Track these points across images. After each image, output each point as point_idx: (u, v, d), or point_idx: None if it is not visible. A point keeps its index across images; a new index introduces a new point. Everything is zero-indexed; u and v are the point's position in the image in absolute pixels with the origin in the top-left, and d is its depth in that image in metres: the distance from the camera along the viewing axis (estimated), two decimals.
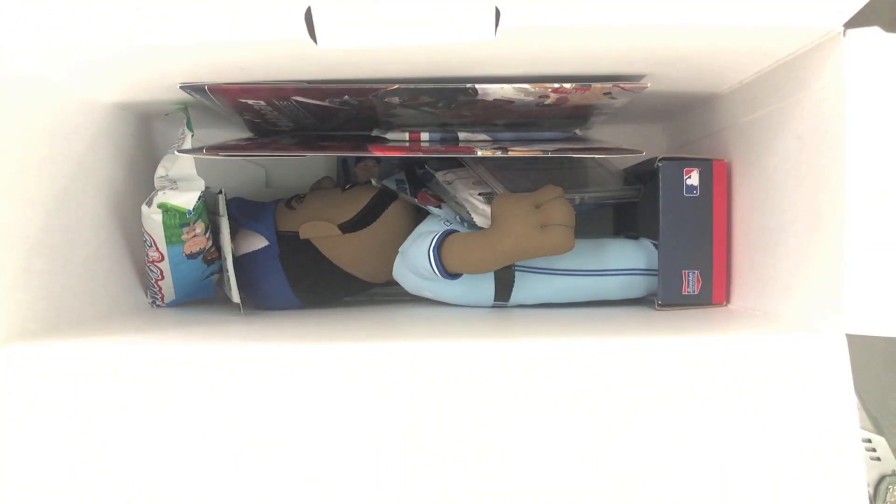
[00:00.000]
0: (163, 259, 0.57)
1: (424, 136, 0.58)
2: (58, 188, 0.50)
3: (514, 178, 0.58)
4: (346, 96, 0.51)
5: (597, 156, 0.64)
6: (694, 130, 0.66)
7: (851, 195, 0.40)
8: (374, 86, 0.49)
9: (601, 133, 0.69)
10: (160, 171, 0.56)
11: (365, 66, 0.47)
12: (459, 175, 0.60)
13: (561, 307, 0.59)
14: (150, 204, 0.54)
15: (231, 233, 0.60)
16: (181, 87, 0.50)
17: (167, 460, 0.40)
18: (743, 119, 0.55)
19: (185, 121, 0.57)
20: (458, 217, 0.59)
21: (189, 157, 0.56)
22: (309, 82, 0.49)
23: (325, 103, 0.52)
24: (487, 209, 0.55)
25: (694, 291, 0.56)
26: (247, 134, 0.64)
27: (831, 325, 0.41)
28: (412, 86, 0.49)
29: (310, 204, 0.62)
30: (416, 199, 0.61)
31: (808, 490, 0.40)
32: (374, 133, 0.59)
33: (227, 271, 0.59)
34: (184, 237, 0.56)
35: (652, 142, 0.75)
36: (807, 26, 0.41)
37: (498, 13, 0.39)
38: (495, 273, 0.57)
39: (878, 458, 0.72)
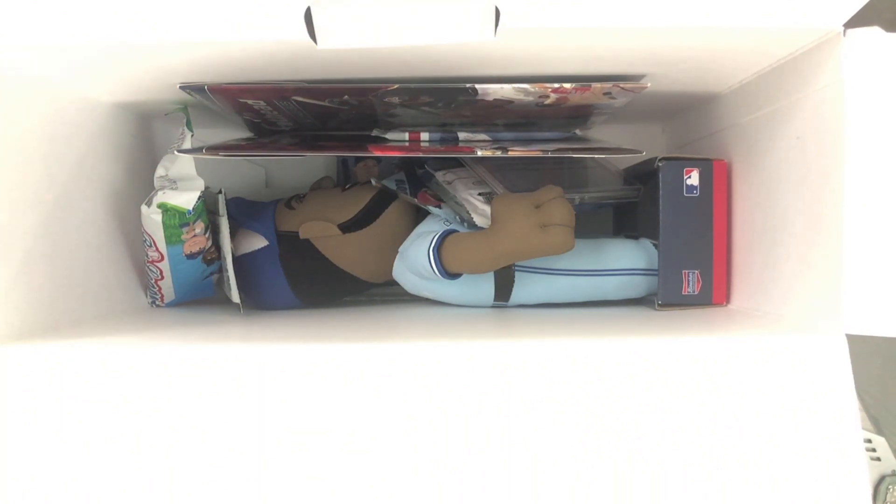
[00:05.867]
0: (162, 259, 0.57)
1: (424, 136, 0.58)
2: (57, 188, 0.50)
3: (514, 178, 0.58)
4: (346, 96, 0.51)
5: (597, 156, 0.64)
6: (694, 130, 0.66)
7: (851, 195, 0.40)
8: (374, 86, 0.49)
9: (601, 133, 0.69)
10: (160, 171, 0.56)
11: (365, 66, 0.46)
12: (459, 175, 0.60)
13: (561, 307, 0.59)
14: (149, 204, 0.54)
15: (231, 233, 0.60)
16: (181, 87, 0.50)
17: (167, 460, 0.40)
18: (743, 119, 0.55)
19: (184, 121, 0.57)
20: (458, 217, 0.59)
21: (189, 157, 0.56)
22: (309, 82, 0.49)
23: (325, 103, 0.52)
24: (487, 209, 0.55)
25: (694, 291, 0.56)
26: (247, 134, 0.64)
27: (831, 325, 0.41)
28: (412, 86, 0.49)
29: (310, 204, 0.62)
30: (416, 199, 0.61)
31: (810, 490, 0.40)
32: (374, 133, 0.59)
33: (227, 271, 0.59)
34: (183, 237, 0.56)
35: (652, 142, 0.75)
36: (807, 26, 0.41)
37: (498, 13, 0.39)
38: (495, 273, 0.57)
39: (878, 459, 0.72)
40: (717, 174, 0.56)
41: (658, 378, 0.40)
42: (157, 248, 0.56)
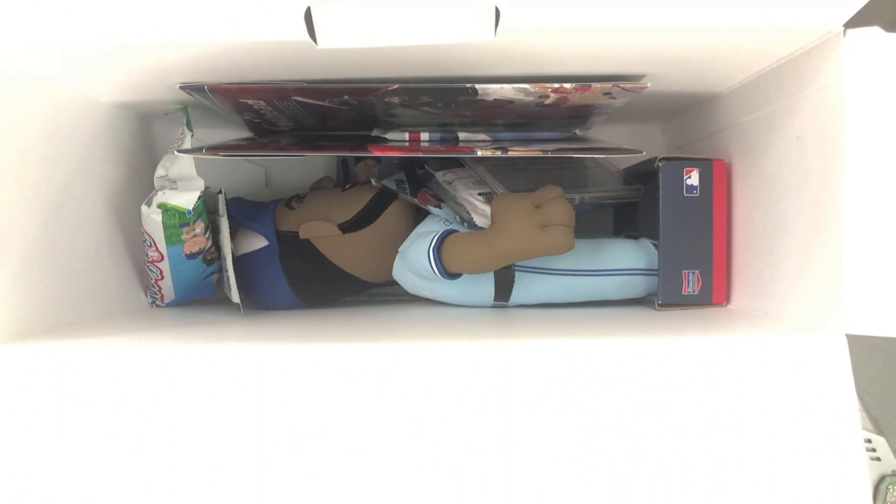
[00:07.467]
0: (162, 259, 0.57)
1: (424, 136, 0.58)
2: (57, 188, 0.50)
3: (514, 178, 0.58)
4: (346, 96, 0.51)
5: (597, 156, 0.64)
6: (694, 130, 0.66)
7: (851, 195, 0.40)
8: (374, 86, 0.49)
9: (601, 133, 0.69)
10: (160, 171, 0.56)
11: (365, 66, 0.46)
12: (459, 175, 0.60)
13: (561, 307, 0.59)
14: (149, 204, 0.54)
15: (231, 233, 0.60)
16: (181, 87, 0.50)
17: (167, 460, 0.40)
18: (743, 119, 0.55)
19: (184, 121, 0.57)
20: (458, 217, 0.59)
21: (189, 157, 0.56)
22: (309, 82, 0.49)
23: (325, 103, 0.52)
24: (487, 209, 0.55)
25: (694, 291, 0.56)
26: (247, 134, 0.64)
27: (831, 325, 0.41)
28: (412, 86, 0.49)
29: (310, 204, 0.62)
30: (416, 199, 0.61)
31: (810, 490, 0.40)
32: (374, 133, 0.59)
33: (227, 271, 0.59)
34: (183, 237, 0.56)
35: (652, 142, 0.75)
36: (807, 26, 0.41)
37: (498, 13, 0.39)
38: (495, 273, 0.57)
39: (878, 459, 0.72)
40: (717, 174, 0.56)
41: (658, 378, 0.40)
42: (157, 248, 0.56)
